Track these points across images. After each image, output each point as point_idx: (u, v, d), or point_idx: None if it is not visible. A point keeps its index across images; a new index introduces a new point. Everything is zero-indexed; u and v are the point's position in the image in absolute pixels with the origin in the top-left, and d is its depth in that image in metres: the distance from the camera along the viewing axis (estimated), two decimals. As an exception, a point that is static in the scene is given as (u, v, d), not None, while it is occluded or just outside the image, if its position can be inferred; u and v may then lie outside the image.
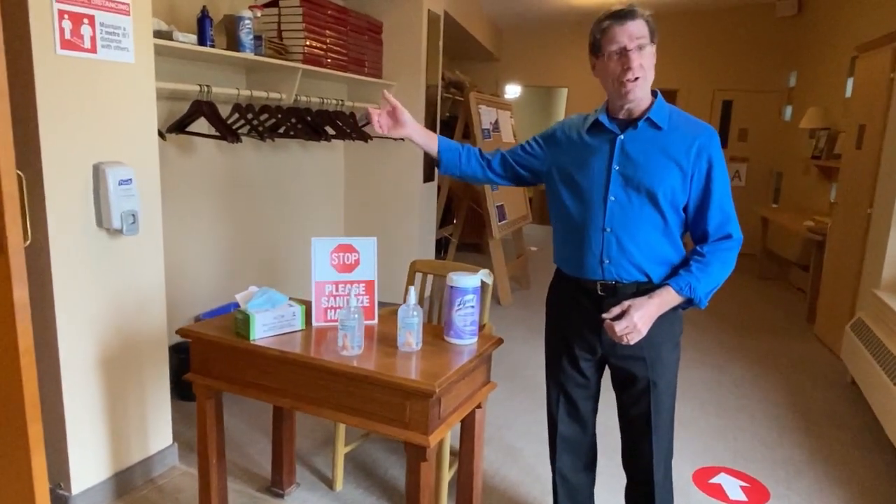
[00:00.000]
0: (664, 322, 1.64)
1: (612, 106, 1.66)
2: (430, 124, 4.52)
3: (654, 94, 1.65)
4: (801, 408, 3.30)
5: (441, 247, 6.05)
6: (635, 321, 1.54)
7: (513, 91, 8.50)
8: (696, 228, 1.64)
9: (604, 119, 1.65)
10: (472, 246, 7.24)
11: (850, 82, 5.48)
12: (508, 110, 5.73)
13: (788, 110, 7.20)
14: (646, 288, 1.62)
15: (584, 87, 7.90)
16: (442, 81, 4.91)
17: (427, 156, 4.57)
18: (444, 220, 5.96)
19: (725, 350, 4.17)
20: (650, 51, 1.56)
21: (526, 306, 5.03)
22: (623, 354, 1.68)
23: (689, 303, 1.61)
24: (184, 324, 3.26)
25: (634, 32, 1.53)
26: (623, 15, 1.54)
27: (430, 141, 1.84)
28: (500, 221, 4.86)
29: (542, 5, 6.67)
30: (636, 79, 1.54)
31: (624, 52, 1.54)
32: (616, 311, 1.57)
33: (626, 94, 1.57)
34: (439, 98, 4.75)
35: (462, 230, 5.86)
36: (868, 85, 4.03)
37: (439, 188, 5.18)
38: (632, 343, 1.57)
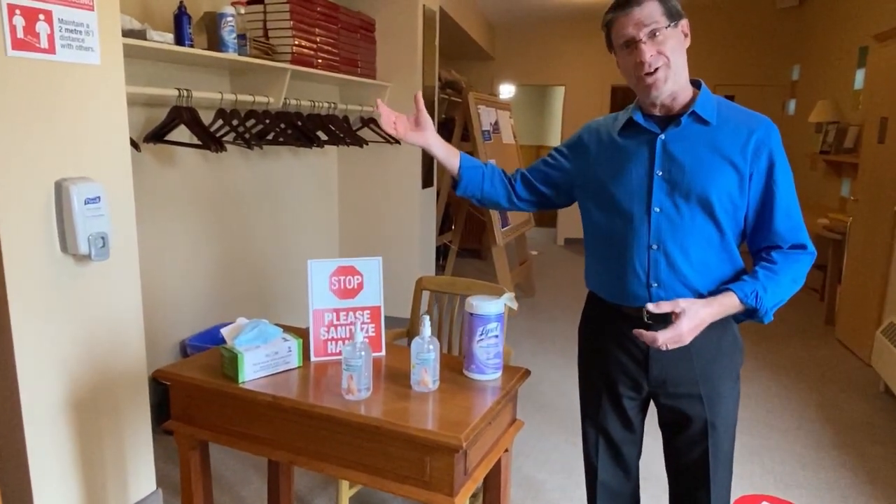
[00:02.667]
0: (723, 352, 1.42)
1: (644, 102, 1.42)
2: (427, 127, 4.28)
3: (696, 84, 1.41)
4: (836, 421, 3.08)
5: (439, 254, 5.81)
6: (683, 332, 1.29)
7: (507, 90, 8.27)
8: (757, 239, 1.39)
9: (638, 117, 1.41)
10: (470, 252, 7.01)
11: (859, 73, 5.30)
12: (508, 110, 5.51)
13: (792, 104, 7.01)
14: None
15: (581, 85, 7.69)
16: (438, 82, 4.67)
17: (427, 160, 4.37)
18: (442, 226, 5.72)
19: (748, 358, 3.94)
20: (671, 34, 1.32)
21: (533, 315, 4.79)
22: (675, 392, 1.44)
23: (749, 314, 1.37)
24: (168, 350, 3.04)
25: (642, 19, 1.30)
26: (625, 2, 1.32)
27: (451, 155, 1.61)
28: (502, 227, 4.62)
29: (538, 1, 6.45)
30: (655, 70, 1.32)
31: (633, 44, 1.31)
32: (666, 307, 1.31)
33: (648, 90, 1.34)
34: (436, 99, 4.51)
35: (461, 236, 5.63)
36: (887, 75, 3.83)
37: (438, 193, 4.94)
38: (668, 348, 1.32)
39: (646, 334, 1.31)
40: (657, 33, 1.30)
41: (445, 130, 5.30)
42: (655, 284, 1.38)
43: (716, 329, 1.41)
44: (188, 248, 3.01)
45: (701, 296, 1.38)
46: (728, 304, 1.33)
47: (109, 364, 1.99)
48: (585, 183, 1.52)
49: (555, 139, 9.48)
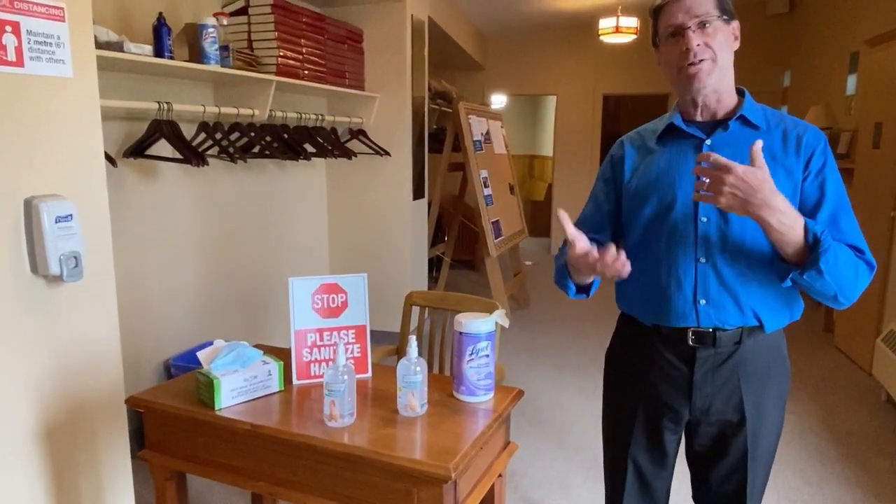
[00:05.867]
0: (772, 376, 1.33)
1: (685, 106, 1.34)
2: (417, 138, 4.23)
3: (741, 92, 1.33)
4: (838, 432, 3.01)
5: (432, 266, 5.74)
6: (763, 176, 1.08)
7: (498, 100, 8.24)
8: None
9: (679, 122, 1.32)
10: (464, 263, 6.94)
11: (850, 79, 5.28)
12: (499, 120, 5.46)
13: (784, 111, 7.00)
14: (757, 334, 1.29)
15: (573, 94, 7.66)
16: (428, 92, 4.62)
17: (417, 171, 4.31)
18: (435, 237, 5.66)
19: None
20: (721, 28, 1.23)
21: (527, 328, 4.72)
22: (718, 420, 1.34)
23: (802, 258, 1.16)
24: (152, 371, 2.95)
25: (693, 7, 1.22)
26: None
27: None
28: (496, 238, 4.55)
29: (528, 11, 6.43)
30: (701, 61, 1.23)
31: (680, 31, 1.24)
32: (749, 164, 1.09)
33: (689, 81, 1.25)
34: (426, 110, 4.46)
35: (453, 247, 5.56)
36: (880, 80, 3.80)
37: (429, 204, 4.87)
38: (721, 201, 1.10)
39: (706, 159, 1.10)
40: (707, 24, 1.23)
41: (437, 141, 5.25)
42: (703, 301, 1.29)
43: (767, 351, 1.32)
44: (172, 265, 2.93)
45: (754, 314, 1.28)
46: (795, 214, 1.13)
47: (85, 389, 1.90)
48: (625, 197, 1.41)
49: (547, 148, 9.45)
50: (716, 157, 1.10)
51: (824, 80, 5.86)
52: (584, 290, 1.41)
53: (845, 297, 1.21)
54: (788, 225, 1.13)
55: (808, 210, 1.26)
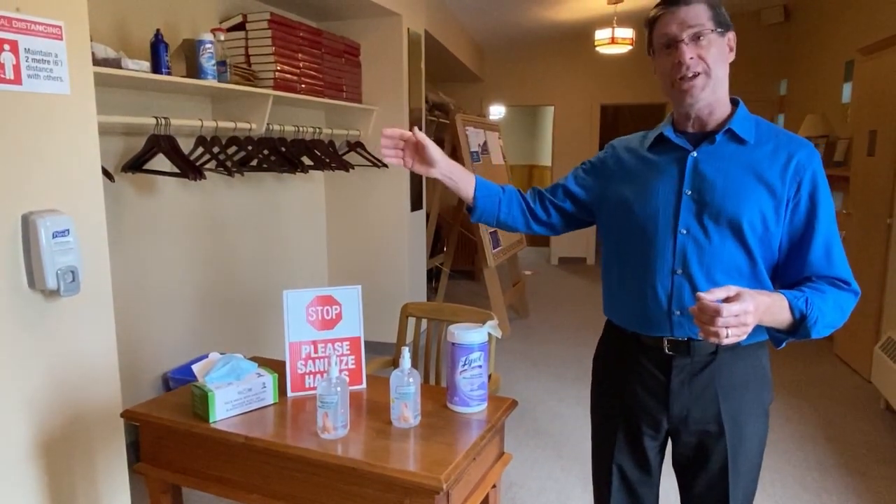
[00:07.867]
0: (750, 388, 1.32)
1: (679, 117, 1.34)
2: (415, 149, 4.25)
3: (734, 102, 1.32)
4: (838, 440, 3.00)
5: (431, 276, 5.75)
6: (749, 309, 1.05)
7: (497, 111, 8.29)
8: (789, 272, 1.27)
9: (669, 132, 1.33)
10: (463, 273, 6.95)
11: (846, 87, 5.31)
12: (496, 131, 5.49)
13: (781, 119, 7.04)
14: (734, 345, 1.27)
15: (570, 105, 7.70)
16: (426, 104, 4.66)
17: (416, 183, 4.33)
18: (434, 247, 5.67)
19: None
20: (715, 41, 1.23)
21: (526, 338, 4.72)
22: (696, 430, 1.34)
23: (793, 330, 1.19)
24: (150, 384, 2.96)
25: (687, 19, 1.22)
26: (674, 0, 1.25)
27: (466, 183, 1.44)
28: (494, 249, 4.57)
29: (526, 23, 6.48)
30: (694, 76, 1.23)
31: (674, 43, 1.24)
32: (721, 293, 1.07)
33: (683, 96, 1.25)
34: (423, 121, 4.49)
35: (453, 257, 5.57)
36: (874, 88, 3.82)
37: (428, 215, 4.89)
38: (727, 341, 1.06)
39: (701, 309, 1.06)
40: (701, 37, 1.22)
41: (434, 152, 5.28)
42: (678, 312, 1.29)
43: (744, 362, 1.32)
44: (171, 278, 2.94)
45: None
46: (779, 302, 1.15)
47: (82, 403, 1.91)
48: (607, 200, 1.43)
49: (546, 158, 9.48)
50: (706, 301, 1.06)
51: (820, 89, 5.89)
52: (474, 207, 1.46)
53: (833, 329, 1.23)
54: (778, 318, 1.17)
55: (797, 236, 1.25)
